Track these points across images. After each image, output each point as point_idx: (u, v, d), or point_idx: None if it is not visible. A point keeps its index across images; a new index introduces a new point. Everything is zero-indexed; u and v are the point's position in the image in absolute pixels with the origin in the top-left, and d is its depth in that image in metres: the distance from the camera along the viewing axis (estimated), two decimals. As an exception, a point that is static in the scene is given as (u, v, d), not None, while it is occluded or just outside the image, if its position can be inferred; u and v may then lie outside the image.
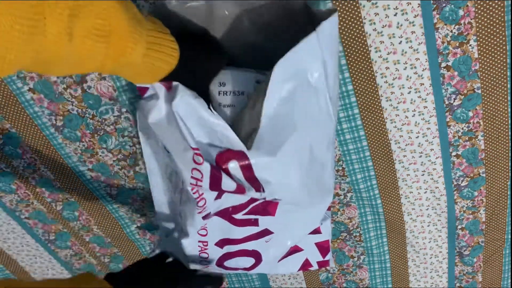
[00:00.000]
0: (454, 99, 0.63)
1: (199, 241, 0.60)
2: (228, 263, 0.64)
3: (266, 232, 0.61)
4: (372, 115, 0.64)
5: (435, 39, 0.57)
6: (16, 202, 0.78)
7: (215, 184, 0.52)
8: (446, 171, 0.71)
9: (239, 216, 0.58)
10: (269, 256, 0.65)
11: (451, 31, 0.57)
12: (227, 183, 0.52)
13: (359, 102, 0.63)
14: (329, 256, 0.70)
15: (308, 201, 0.58)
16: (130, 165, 0.71)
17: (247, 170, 0.51)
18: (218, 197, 0.54)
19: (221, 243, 0.61)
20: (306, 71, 0.48)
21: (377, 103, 0.63)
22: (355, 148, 0.68)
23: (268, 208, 0.58)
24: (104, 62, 0.37)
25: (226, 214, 0.58)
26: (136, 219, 0.80)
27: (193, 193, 0.53)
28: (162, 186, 0.65)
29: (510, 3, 0.54)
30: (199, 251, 0.61)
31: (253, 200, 0.56)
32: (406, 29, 0.57)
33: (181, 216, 0.60)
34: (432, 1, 0.54)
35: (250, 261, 0.65)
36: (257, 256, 0.64)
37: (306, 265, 0.69)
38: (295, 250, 0.67)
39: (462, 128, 0.66)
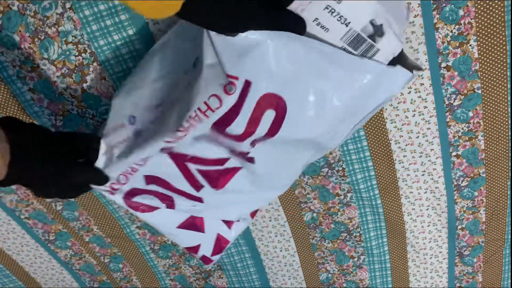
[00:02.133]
0: (454, 99, 0.63)
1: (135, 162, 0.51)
2: (137, 198, 0.55)
3: (198, 199, 0.56)
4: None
5: (435, 39, 0.57)
6: (16, 202, 0.78)
7: (224, 122, 0.44)
8: (446, 171, 0.71)
9: (192, 168, 0.51)
10: (178, 213, 0.58)
11: (451, 31, 0.57)
12: (238, 125, 0.45)
13: (359, 102, 0.63)
14: (215, 258, 0.66)
15: (265, 185, 0.55)
16: (130, 165, 0.71)
17: (279, 121, 0.46)
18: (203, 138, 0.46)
19: (151, 179, 0.53)
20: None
21: (377, 103, 0.63)
22: (355, 148, 0.68)
23: (221, 178, 0.52)
24: None
25: (180, 158, 0.50)
26: (136, 219, 0.80)
27: (195, 115, 0.44)
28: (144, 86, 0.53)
29: (510, 3, 0.54)
30: (123, 171, 0.51)
31: (221, 161, 0.50)
32: (406, 29, 0.57)
33: (154, 130, 0.50)
34: (432, 1, 0.54)
35: (159, 204, 0.57)
36: (170, 204, 0.57)
37: (194, 249, 0.64)
38: (198, 228, 0.61)
39: (462, 128, 0.66)
